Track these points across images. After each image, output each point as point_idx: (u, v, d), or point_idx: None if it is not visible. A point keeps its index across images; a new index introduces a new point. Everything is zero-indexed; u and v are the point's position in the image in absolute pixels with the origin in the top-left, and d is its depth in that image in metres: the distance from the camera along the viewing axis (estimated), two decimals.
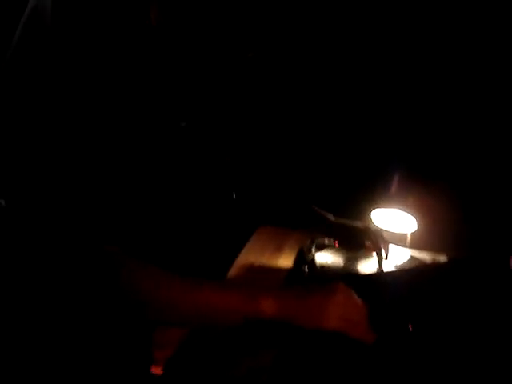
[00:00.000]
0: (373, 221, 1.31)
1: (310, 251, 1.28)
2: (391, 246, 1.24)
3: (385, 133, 1.56)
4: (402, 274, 1.09)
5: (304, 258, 1.27)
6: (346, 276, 1.15)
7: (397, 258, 1.25)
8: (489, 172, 1.45)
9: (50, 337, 0.95)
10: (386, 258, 1.21)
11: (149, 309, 0.86)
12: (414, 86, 1.54)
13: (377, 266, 1.17)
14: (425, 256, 1.27)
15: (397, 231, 1.30)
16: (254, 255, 1.40)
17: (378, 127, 1.57)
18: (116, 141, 0.88)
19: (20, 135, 0.86)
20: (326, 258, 1.25)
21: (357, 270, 1.20)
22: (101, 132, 0.85)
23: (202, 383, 0.90)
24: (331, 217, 1.30)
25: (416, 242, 1.29)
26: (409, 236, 1.30)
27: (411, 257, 1.27)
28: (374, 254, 1.21)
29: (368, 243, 1.25)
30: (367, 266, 1.21)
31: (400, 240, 1.31)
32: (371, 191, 1.38)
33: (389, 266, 1.18)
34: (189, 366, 0.93)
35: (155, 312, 0.87)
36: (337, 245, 1.31)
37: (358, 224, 1.28)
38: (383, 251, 1.20)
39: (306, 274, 1.20)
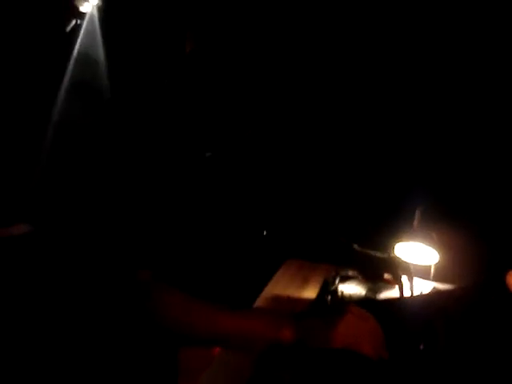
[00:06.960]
0: (396, 254, 1.34)
1: (334, 282, 1.32)
2: (415, 279, 1.27)
3: (408, 169, 1.60)
4: (416, 299, 1.11)
5: (327, 288, 1.31)
6: (365, 302, 1.18)
7: (419, 288, 1.27)
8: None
9: (80, 357, 1.02)
10: (412, 291, 1.24)
11: (177, 332, 0.92)
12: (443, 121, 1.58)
13: (397, 294, 1.20)
14: (445, 287, 1.29)
15: (419, 263, 1.33)
16: (280, 287, 1.46)
17: (403, 164, 1.62)
18: (148, 169, 0.97)
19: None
20: (348, 288, 1.28)
21: (376, 298, 1.23)
22: (131, 159, 0.95)
23: None
24: (357, 247, 1.33)
25: (438, 274, 1.31)
26: (431, 268, 1.33)
27: (433, 288, 1.29)
28: (396, 285, 1.24)
29: (388, 275, 1.28)
30: (387, 295, 1.24)
31: (422, 272, 1.33)
32: (395, 225, 1.42)
33: (407, 295, 1.21)
34: None
35: (183, 335, 0.93)
36: (360, 276, 1.35)
37: (382, 255, 1.31)
38: (408, 282, 1.23)
39: (329, 303, 1.24)
